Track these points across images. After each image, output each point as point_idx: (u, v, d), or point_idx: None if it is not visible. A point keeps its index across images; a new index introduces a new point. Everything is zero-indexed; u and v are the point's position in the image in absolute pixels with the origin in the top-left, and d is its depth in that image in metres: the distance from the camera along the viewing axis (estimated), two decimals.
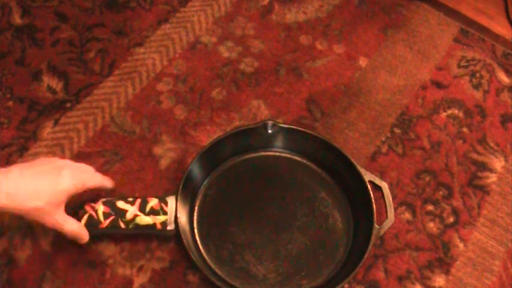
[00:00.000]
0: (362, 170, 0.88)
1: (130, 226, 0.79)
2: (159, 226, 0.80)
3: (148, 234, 0.83)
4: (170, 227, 0.81)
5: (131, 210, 0.80)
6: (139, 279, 0.81)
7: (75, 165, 0.77)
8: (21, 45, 1.01)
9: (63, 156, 0.90)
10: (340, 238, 0.86)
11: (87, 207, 0.79)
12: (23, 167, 0.71)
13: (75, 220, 0.77)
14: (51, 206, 0.71)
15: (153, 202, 0.81)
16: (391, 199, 0.86)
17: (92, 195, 0.81)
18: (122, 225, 0.79)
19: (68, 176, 0.73)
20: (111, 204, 0.80)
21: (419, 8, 1.16)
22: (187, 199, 0.85)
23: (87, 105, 0.95)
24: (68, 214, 0.76)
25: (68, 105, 0.95)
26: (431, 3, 1.17)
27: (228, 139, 0.89)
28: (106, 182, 0.81)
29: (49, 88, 0.97)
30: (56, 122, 0.93)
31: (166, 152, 0.92)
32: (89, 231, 0.79)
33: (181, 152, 0.93)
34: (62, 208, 0.74)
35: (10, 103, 0.94)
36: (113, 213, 0.79)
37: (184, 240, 0.80)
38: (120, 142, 0.92)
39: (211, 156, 0.88)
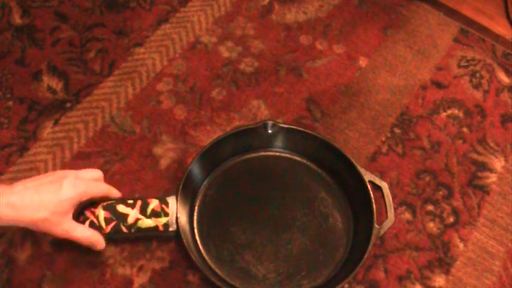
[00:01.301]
0: (362, 170, 0.88)
1: (133, 230, 0.79)
2: (161, 228, 0.80)
3: (150, 236, 0.83)
4: (172, 228, 0.80)
5: (132, 214, 0.79)
6: (139, 279, 0.81)
7: (78, 174, 0.77)
8: (21, 45, 1.01)
9: (63, 156, 0.90)
10: (340, 238, 0.86)
11: (87, 213, 0.79)
12: (26, 181, 0.72)
13: (87, 227, 0.77)
14: (57, 216, 0.72)
15: (153, 204, 0.81)
16: (391, 199, 0.86)
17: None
18: (124, 229, 0.79)
19: (70, 185, 0.73)
20: (111, 209, 0.79)
21: (419, 8, 1.16)
22: (187, 199, 0.85)
23: (87, 105, 0.95)
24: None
25: (68, 105, 0.95)
26: (431, 3, 1.17)
27: (228, 139, 0.89)
28: (112, 191, 0.81)
29: (49, 88, 0.97)
30: (56, 122, 0.93)
31: (166, 152, 0.92)
32: None
33: (181, 152, 0.93)
34: (69, 217, 0.74)
35: (10, 103, 0.94)
36: (114, 218, 0.79)
37: (184, 241, 0.80)
38: (120, 142, 0.92)
39: (211, 156, 0.88)
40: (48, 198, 0.71)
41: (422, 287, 0.85)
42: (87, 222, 0.78)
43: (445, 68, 1.08)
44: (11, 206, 0.69)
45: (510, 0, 1.19)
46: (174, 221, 0.80)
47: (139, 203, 0.80)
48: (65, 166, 0.89)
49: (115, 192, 0.81)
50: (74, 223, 0.75)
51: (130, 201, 0.80)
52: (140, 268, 0.82)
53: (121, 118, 0.95)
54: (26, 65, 0.99)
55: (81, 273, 0.80)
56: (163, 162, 0.91)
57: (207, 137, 0.94)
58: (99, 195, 0.78)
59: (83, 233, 0.76)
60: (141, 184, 0.89)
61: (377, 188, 0.87)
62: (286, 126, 0.91)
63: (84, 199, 0.76)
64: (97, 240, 0.77)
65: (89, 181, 0.77)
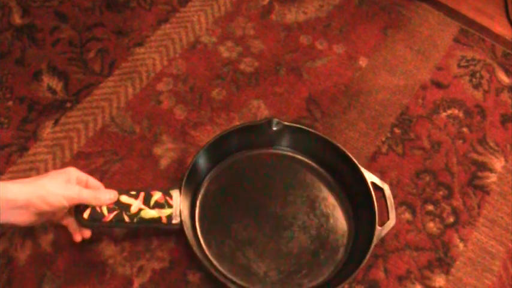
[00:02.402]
0: (364, 171, 0.87)
1: (135, 220, 0.78)
2: (164, 220, 0.79)
3: (152, 228, 0.82)
4: (175, 220, 0.79)
5: (135, 204, 0.78)
6: (139, 279, 0.81)
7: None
8: (21, 45, 1.01)
9: (63, 156, 0.90)
10: (341, 238, 0.86)
11: None
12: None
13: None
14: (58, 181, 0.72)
15: (157, 195, 0.80)
16: (392, 201, 0.86)
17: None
18: (127, 218, 0.77)
19: (55, 171, 0.74)
20: None
21: (419, 8, 1.16)
22: (189, 194, 0.85)
23: (87, 105, 0.95)
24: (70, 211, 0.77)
25: (68, 105, 0.95)
26: (431, 3, 1.17)
27: (233, 134, 0.89)
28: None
29: (49, 88, 0.97)
30: (56, 122, 0.93)
31: (166, 152, 0.92)
32: (92, 225, 0.78)
33: (181, 152, 0.93)
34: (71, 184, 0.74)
35: (10, 103, 0.94)
36: (117, 207, 0.77)
37: (187, 233, 0.79)
38: (120, 142, 0.92)
39: (216, 150, 0.88)
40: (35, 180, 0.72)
41: (422, 287, 0.85)
42: (88, 210, 0.76)
43: (445, 68, 1.08)
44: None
45: (510, 0, 1.19)
46: (178, 213, 0.79)
47: (142, 194, 0.79)
48: (65, 166, 0.88)
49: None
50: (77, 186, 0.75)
51: (133, 193, 0.79)
52: (140, 268, 0.82)
53: (121, 118, 0.95)
54: (26, 65, 0.99)
55: (81, 273, 0.80)
56: (163, 162, 0.91)
57: (207, 137, 0.94)
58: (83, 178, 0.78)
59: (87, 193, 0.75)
60: (141, 184, 0.89)
61: (378, 189, 0.87)
62: (290, 124, 0.91)
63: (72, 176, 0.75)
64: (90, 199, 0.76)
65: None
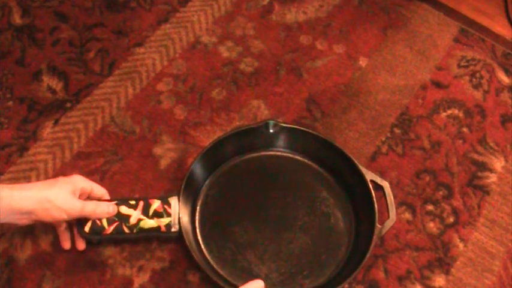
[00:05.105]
0: (363, 170, 0.88)
1: (135, 230, 0.79)
2: (163, 228, 0.80)
3: (152, 237, 0.83)
4: (174, 228, 0.80)
5: (134, 214, 0.79)
6: (139, 279, 0.81)
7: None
8: (21, 45, 1.01)
9: (63, 157, 0.90)
10: (342, 237, 0.86)
11: None
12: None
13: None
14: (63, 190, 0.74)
15: (155, 205, 0.81)
16: (392, 198, 0.86)
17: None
18: (126, 230, 0.79)
19: (62, 179, 0.75)
20: None
21: (419, 8, 1.16)
22: (189, 199, 0.85)
23: (87, 105, 0.95)
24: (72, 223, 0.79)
25: (68, 105, 0.95)
26: (431, 3, 1.17)
27: (230, 139, 0.89)
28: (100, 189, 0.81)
29: (49, 88, 0.97)
30: (56, 122, 0.93)
31: (166, 152, 0.92)
32: (93, 238, 0.80)
33: (181, 152, 0.93)
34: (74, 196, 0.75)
35: (10, 103, 0.94)
36: (117, 219, 0.79)
37: (186, 241, 0.80)
38: (120, 142, 0.92)
39: (213, 156, 0.88)
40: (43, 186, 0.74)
41: (422, 287, 0.85)
42: (89, 223, 0.78)
43: (445, 68, 1.08)
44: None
45: (510, 0, 1.19)
46: (177, 222, 0.80)
47: (141, 203, 0.80)
48: (65, 166, 0.89)
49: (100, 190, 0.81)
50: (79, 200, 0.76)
51: (133, 202, 0.80)
52: (140, 268, 0.82)
53: (121, 118, 0.95)
54: (26, 65, 0.99)
55: (81, 273, 0.80)
56: (163, 162, 0.91)
57: (207, 137, 0.94)
58: (88, 187, 0.78)
59: (89, 206, 0.76)
60: (141, 184, 0.89)
61: (378, 188, 0.87)
62: (287, 125, 0.91)
63: (78, 185, 0.76)
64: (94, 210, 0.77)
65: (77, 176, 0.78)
